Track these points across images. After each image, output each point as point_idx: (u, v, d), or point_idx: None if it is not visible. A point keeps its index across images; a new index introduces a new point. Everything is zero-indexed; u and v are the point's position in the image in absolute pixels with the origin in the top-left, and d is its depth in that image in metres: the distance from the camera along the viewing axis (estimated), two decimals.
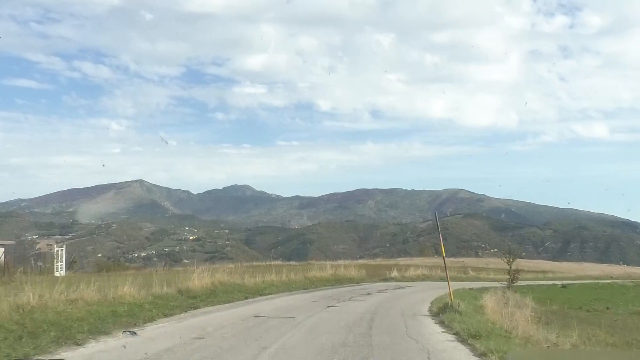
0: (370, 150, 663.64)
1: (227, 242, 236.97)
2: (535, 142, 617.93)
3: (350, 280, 34.46)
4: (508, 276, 33.93)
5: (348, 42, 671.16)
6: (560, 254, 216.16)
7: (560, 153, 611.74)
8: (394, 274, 41.11)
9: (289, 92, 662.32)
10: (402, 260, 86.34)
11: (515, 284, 31.61)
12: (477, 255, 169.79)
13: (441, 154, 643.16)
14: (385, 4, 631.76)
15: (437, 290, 27.50)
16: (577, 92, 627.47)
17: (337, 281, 32.99)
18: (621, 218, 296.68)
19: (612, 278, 65.77)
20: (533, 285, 39.85)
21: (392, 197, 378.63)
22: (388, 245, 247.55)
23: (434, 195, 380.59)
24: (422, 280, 42.32)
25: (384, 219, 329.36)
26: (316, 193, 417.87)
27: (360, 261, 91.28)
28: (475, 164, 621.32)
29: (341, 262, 56.97)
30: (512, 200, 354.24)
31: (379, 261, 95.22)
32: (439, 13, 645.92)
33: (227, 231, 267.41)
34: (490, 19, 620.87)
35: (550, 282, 49.02)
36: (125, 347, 10.75)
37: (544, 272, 78.33)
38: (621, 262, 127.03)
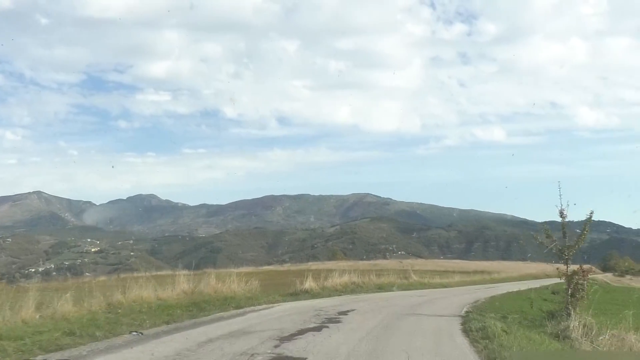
0: (278, 156, 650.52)
1: (132, 253, 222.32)
2: (438, 145, 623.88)
3: (225, 303, 17.65)
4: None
5: (253, 49, 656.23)
6: (464, 254, 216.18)
7: (461, 156, 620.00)
8: (309, 284, 24.94)
9: (194, 99, 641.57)
10: (314, 265, 71.53)
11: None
12: (384, 257, 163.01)
13: (348, 159, 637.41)
14: (289, 11, 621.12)
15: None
16: (476, 97, 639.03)
17: (196, 306, 16.28)
18: (519, 217, 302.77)
19: (547, 275, 58.47)
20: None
21: (301, 202, 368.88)
22: (297, 250, 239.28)
23: (341, 200, 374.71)
24: (356, 292, 26.74)
25: (293, 224, 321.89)
26: (224, 201, 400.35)
27: (267, 267, 76.82)
28: (381, 168, 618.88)
29: (245, 269, 50.70)
30: (418, 202, 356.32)
31: (287, 267, 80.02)
32: (343, 20, 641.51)
33: (131, 242, 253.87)
34: (392, 26, 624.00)
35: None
36: None
37: (487, 272, 66.11)
38: (553, 261, 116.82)
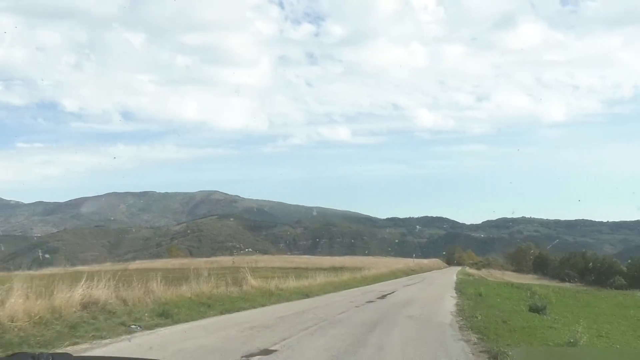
0: (122, 152, 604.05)
1: None
2: (285, 144, 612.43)
3: None
4: None
5: (95, 40, 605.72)
6: (311, 250, 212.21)
7: (308, 155, 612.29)
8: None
9: (30, 90, 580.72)
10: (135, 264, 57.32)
11: None
12: (231, 255, 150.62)
13: (195, 156, 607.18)
14: (134, 2, 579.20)
15: None
16: (323, 97, 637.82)
17: None
18: (363, 214, 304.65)
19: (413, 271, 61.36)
20: None
21: (145, 200, 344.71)
22: (141, 249, 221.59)
23: (188, 198, 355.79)
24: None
25: (137, 223, 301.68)
26: (62, 198, 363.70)
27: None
28: (229, 165, 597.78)
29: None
30: (265, 200, 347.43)
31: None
32: (190, 15, 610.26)
33: None
34: (241, 23, 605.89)
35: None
36: None
37: (346, 268, 53.73)
38: (413, 255, 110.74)
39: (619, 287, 70.40)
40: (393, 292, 28.10)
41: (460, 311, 17.06)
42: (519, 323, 13.62)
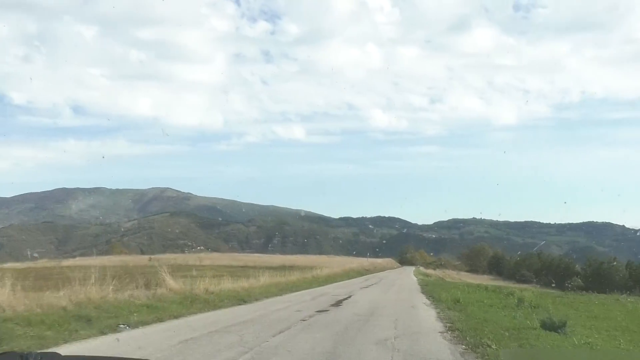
0: (72, 147, 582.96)
1: None
2: (240, 142, 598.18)
3: None
4: None
5: (45, 32, 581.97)
6: (263, 249, 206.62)
7: (263, 153, 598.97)
8: None
9: None
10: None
11: None
12: (182, 252, 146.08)
13: (148, 152, 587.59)
14: None
15: None
16: (278, 95, 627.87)
17: None
18: (316, 213, 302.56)
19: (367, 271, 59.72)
20: None
21: (96, 196, 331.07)
22: (90, 246, 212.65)
23: (139, 194, 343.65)
24: None
25: (87, 219, 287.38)
26: (9, 193, 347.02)
27: None
28: (182, 162, 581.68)
29: None
30: (218, 198, 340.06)
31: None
32: (145, 9, 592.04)
33: None
34: (196, 19, 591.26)
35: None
36: None
37: (297, 267, 48.63)
38: (368, 254, 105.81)
39: (577, 289, 67.16)
40: (350, 297, 22.91)
41: (451, 329, 11.94)
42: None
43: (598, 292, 61.36)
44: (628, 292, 62.44)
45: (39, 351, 2.85)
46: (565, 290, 64.18)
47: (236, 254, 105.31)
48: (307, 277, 36.91)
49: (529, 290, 30.04)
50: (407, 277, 52.93)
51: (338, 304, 19.39)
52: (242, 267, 55.86)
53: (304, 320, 13.66)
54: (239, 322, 13.08)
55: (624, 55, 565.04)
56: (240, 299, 20.21)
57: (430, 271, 75.13)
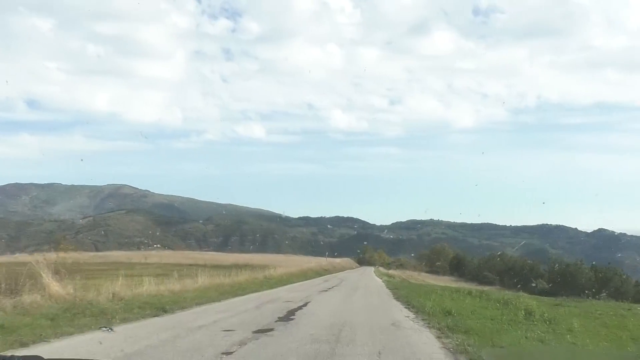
0: (26, 142, 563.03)
1: None
2: (199, 140, 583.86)
3: None
4: None
5: None
6: (222, 248, 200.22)
7: (222, 151, 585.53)
8: None
9: None
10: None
11: None
12: (138, 250, 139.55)
13: (105, 148, 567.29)
14: None
15: None
16: (238, 93, 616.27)
17: None
18: (275, 213, 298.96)
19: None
20: None
21: (50, 192, 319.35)
22: (43, 243, 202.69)
23: (96, 191, 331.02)
24: None
25: (40, 215, 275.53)
26: None
27: None
28: (140, 159, 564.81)
29: None
30: (176, 196, 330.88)
31: None
32: (103, 3, 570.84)
33: None
34: (156, 15, 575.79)
35: None
36: None
37: (250, 266, 43.22)
38: (326, 254, 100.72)
39: (543, 292, 63.47)
40: (306, 304, 17.58)
41: None
42: None
43: (566, 295, 57.81)
44: (597, 297, 59.01)
45: (21, 355, 2.76)
46: (533, 293, 60.39)
47: (189, 252, 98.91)
48: (257, 277, 31.51)
49: (524, 297, 25.12)
50: (369, 278, 47.97)
51: (289, 316, 14.04)
52: (190, 265, 50.52)
53: (227, 355, 8.27)
54: (116, 357, 7.63)
55: (578, 62, 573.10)
56: (160, 307, 14.71)
57: (392, 272, 70.43)
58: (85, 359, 6.08)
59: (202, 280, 22.89)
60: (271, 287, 26.95)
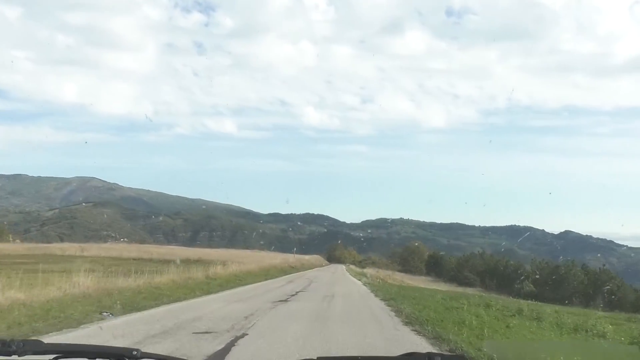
0: None
1: None
2: (169, 133, 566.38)
3: None
4: None
5: None
6: (190, 242, 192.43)
7: (193, 145, 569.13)
8: None
9: None
10: None
11: None
12: (105, 243, 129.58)
13: (73, 140, 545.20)
14: None
15: None
16: (210, 88, 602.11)
17: None
18: (245, 208, 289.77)
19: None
20: None
21: (16, 183, 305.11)
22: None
23: (63, 183, 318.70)
24: None
25: (5, 206, 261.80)
26: None
27: None
28: (108, 152, 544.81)
29: None
30: (145, 189, 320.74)
31: None
32: None
33: None
34: (127, 6, 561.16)
35: None
36: None
37: (208, 261, 34.21)
38: (294, 249, 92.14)
39: (529, 296, 55.49)
40: (234, 343, 8.69)
41: None
42: None
43: (557, 300, 50.18)
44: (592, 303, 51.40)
45: (21, 339, 2.67)
46: (518, 296, 52.25)
47: (145, 245, 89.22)
48: (196, 277, 22.55)
49: (597, 316, 16.83)
50: (345, 279, 39.52)
51: None
52: (134, 259, 41.70)
53: None
54: None
55: (548, 65, 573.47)
56: None
57: (366, 270, 62.00)
58: (89, 344, 3.11)
59: (87, 282, 13.76)
60: (207, 293, 18.03)
